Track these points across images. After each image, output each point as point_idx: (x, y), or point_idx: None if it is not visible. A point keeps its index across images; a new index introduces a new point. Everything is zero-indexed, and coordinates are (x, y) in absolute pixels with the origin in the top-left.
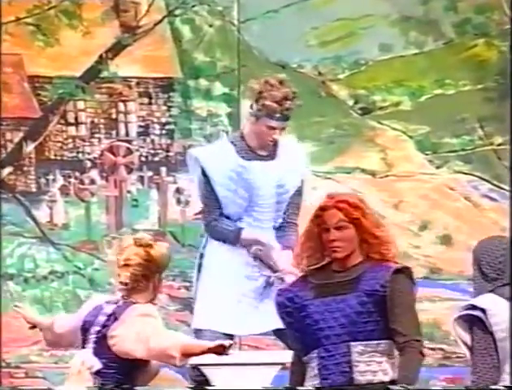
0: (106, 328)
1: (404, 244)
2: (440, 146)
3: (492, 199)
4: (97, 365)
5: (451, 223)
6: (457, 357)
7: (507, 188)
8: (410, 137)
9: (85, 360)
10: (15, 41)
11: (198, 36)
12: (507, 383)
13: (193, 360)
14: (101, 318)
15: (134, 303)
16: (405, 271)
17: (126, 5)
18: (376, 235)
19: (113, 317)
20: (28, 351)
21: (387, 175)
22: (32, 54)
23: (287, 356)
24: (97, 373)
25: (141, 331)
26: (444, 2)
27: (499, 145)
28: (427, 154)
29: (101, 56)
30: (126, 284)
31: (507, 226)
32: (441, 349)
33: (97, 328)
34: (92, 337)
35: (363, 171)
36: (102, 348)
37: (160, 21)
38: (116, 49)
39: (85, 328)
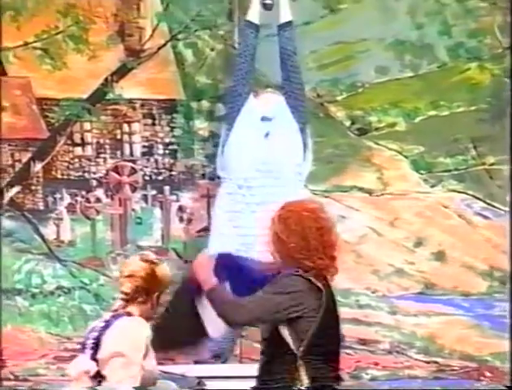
0: (101, 334)
1: (399, 260)
2: (435, 166)
3: (485, 217)
4: (94, 368)
5: (445, 239)
6: (452, 369)
7: (499, 206)
8: (406, 157)
9: (82, 364)
10: (23, 64)
11: (200, 60)
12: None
13: (196, 372)
14: (99, 325)
15: (129, 314)
16: None
17: (131, 29)
18: None
19: (108, 324)
20: (36, 364)
21: (383, 194)
22: (40, 77)
23: None
24: (97, 376)
25: (118, 344)
26: (438, 26)
27: (491, 164)
28: (421, 174)
29: (106, 79)
30: (127, 294)
31: (500, 242)
32: (436, 362)
33: (95, 334)
34: (89, 343)
35: (360, 189)
36: (97, 352)
37: (164, 45)
38: (121, 72)
39: (87, 335)
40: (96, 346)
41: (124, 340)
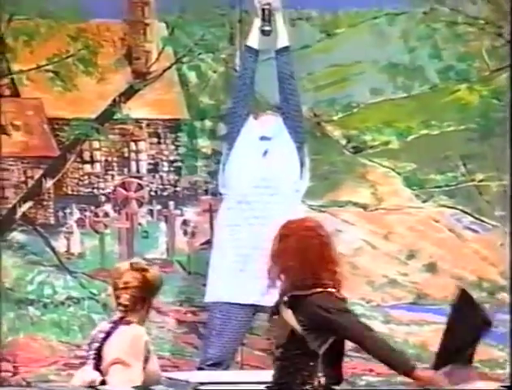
0: (102, 345)
1: (393, 271)
2: (426, 182)
3: (473, 231)
4: (99, 378)
5: (436, 252)
6: None
7: (488, 220)
8: (398, 174)
9: (86, 375)
10: (35, 86)
11: (203, 81)
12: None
13: (199, 378)
14: (100, 336)
15: (128, 322)
16: None
17: (137, 53)
18: None
19: (108, 334)
20: (47, 371)
21: (377, 209)
22: (51, 98)
23: None
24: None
25: (118, 351)
26: (429, 50)
27: (480, 181)
28: (413, 189)
29: (114, 100)
30: (126, 306)
31: (488, 255)
32: (427, 369)
33: (96, 345)
34: (92, 353)
35: (355, 204)
36: (100, 362)
37: (169, 68)
38: (128, 93)
39: (89, 346)
40: (98, 357)
41: (124, 347)
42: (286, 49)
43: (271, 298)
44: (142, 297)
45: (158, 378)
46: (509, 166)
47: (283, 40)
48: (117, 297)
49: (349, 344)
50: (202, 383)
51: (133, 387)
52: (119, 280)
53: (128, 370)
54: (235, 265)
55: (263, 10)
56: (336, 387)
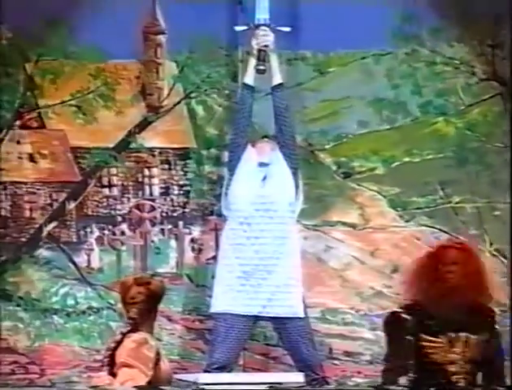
0: (114, 352)
1: (379, 284)
2: (408, 204)
3: None
4: (114, 383)
5: None
6: None
7: (463, 238)
8: (384, 197)
9: (102, 380)
10: (60, 119)
11: (209, 114)
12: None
13: (205, 379)
14: (112, 345)
15: (135, 330)
16: None
17: (151, 89)
18: None
19: (119, 343)
20: (70, 373)
21: (364, 228)
22: (74, 129)
23: (284, 377)
24: None
25: (127, 357)
26: (410, 87)
27: (456, 203)
28: (397, 211)
29: (130, 131)
30: (135, 319)
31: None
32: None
33: (109, 352)
34: (105, 361)
35: (345, 224)
36: (114, 368)
37: (178, 102)
38: (143, 125)
39: (104, 354)
40: (112, 363)
41: (129, 352)
42: (280, 85)
43: (270, 309)
44: (149, 308)
45: (169, 378)
46: (509, 191)
47: (277, 77)
48: (126, 311)
49: (339, 349)
50: (208, 384)
51: (143, 387)
52: (125, 295)
53: (132, 371)
54: (237, 279)
55: (259, 51)
56: (328, 387)
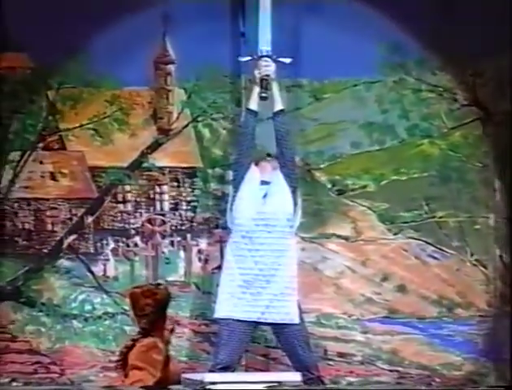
0: (126, 355)
1: (369, 291)
2: (396, 218)
3: (435, 258)
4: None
5: (405, 275)
6: (410, 376)
7: (446, 249)
8: (374, 212)
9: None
10: (79, 141)
11: (215, 137)
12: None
13: (211, 378)
14: (124, 350)
15: (146, 335)
16: None
17: (161, 114)
18: None
19: (131, 348)
20: (87, 372)
21: (356, 240)
22: (91, 150)
23: (283, 376)
24: None
25: (137, 360)
26: (398, 111)
27: (440, 217)
28: (386, 224)
29: (142, 151)
30: (145, 329)
31: (447, 277)
32: (397, 371)
33: (122, 357)
34: (119, 364)
35: (339, 236)
36: (127, 370)
37: (186, 126)
38: (154, 146)
39: (117, 359)
40: (125, 364)
41: (138, 355)
42: (281, 111)
43: (268, 316)
44: (158, 316)
45: (178, 378)
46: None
47: (278, 104)
48: (138, 322)
49: (333, 350)
50: (214, 383)
51: (151, 387)
52: (134, 308)
53: (141, 373)
54: (239, 288)
55: (262, 80)
56: (322, 387)
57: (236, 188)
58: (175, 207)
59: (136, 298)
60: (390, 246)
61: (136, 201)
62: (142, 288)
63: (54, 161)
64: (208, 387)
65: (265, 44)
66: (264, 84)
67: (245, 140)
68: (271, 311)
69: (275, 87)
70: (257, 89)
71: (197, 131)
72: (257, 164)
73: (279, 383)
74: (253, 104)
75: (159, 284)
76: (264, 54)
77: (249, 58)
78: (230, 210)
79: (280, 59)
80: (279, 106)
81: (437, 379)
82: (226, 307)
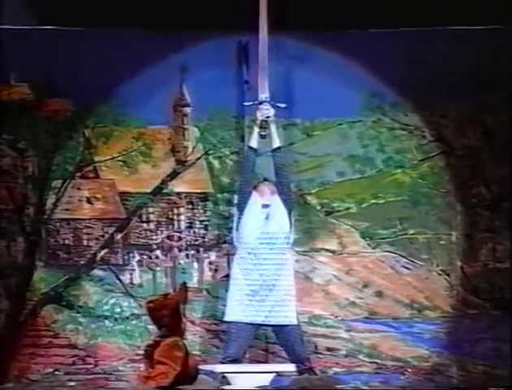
0: (152, 353)
1: (352, 296)
2: (375, 235)
3: (407, 268)
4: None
5: (382, 283)
6: (386, 367)
7: (416, 261)
8: (356, 229)
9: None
10: (110, 171)
11: (223, 167)
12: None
13: (220, 369)
14: (149, 347)
15: (168, 335)
16: None
17: (179, 148)
18: None
19: (155, 346)
20: (117, 364)
21: (342, 253)
22: (120, 179)
23: (280, 367)
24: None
25: (160, 356)
26: (376, 146)
27: (411, 234)
28: (366, 240)
29: (163, 180)
30: (166, 335)
31: (417, 285)
32: (376, 363)
33: (146, 354)
34: (145, 361)
35: (327, 250)
36: (151, 363)
37: (200, 158)
38: (173, 175)
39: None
40: (151, 359)
41: (161, 352)
42: (279, 148)
43: (271, 319)
44: (175, 319)
45: (195, 370)
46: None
47: (276, 142)
48: (158, 329)
49: (322, 345)
50: (223, 373)
51: (165, 387)
52: (153, 319)
53: (164, 367)
54: (246, 296)
55: (262, 121)
56: (313, 376)
57: (241, 212)
58: (190, 226)
59: (152, 312)
60: (370, 258)
61: (157, 221)
62: (154, 303)
63: (89, 187)
64: (219, 375)
65: (264, 91)
66: (264, 125)
67: (246, 171)
68: (274, 315)
69: (273, 128)
70: (257, 130)
71: (208, 162)
72: (255, 188)
73: (277, 372)
74: (254, 142)
75: (167, 294)
76: (264, 99)
77: (252, 103)
78: (236, 229)
79: (278, 104)
80: (276, 144)
81: (409, 369)
82: (235, 312)
